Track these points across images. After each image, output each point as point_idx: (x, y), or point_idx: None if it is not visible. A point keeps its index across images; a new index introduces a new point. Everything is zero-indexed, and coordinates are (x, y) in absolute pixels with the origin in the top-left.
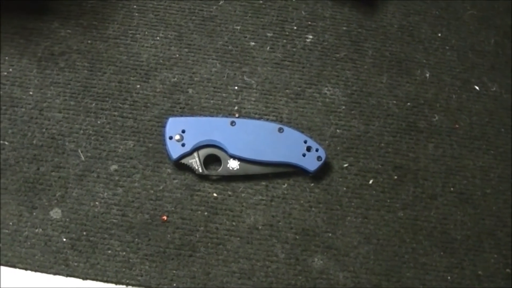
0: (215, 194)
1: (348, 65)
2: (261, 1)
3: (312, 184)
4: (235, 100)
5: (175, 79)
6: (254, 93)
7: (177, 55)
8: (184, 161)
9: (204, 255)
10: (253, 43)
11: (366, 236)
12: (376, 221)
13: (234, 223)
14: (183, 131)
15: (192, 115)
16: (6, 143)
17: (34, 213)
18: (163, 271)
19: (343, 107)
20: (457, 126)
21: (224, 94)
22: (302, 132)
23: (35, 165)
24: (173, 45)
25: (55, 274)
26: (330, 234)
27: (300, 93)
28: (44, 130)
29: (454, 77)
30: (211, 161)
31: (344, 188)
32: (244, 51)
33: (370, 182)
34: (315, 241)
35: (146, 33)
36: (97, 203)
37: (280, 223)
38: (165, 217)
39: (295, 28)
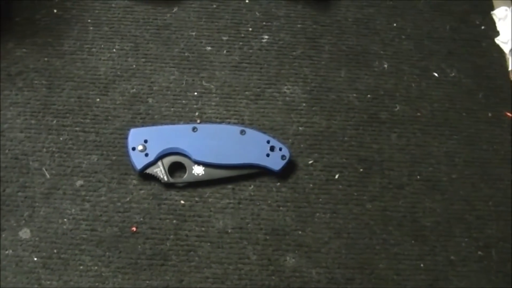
0: (182, 202)
1: (306, 62)
2: (214, 6)
3: (279, 184)
4: (195, 106)
5: (134, 90)
6: (214, 98)
7: (135, 66)
8: (149, 171)
9: (176, 263)
10: (209, 48)
11: (336, 231)
12: (345, 215)
13: (203, 229)
14: (146, 141)
15: (153, 124)
16: None
17: (3, 235)
18: (136, 283)
19: (304, 104)
20: (419, 114)
21: (184, 101)
22: (265, 132)
23: (0, 187)
24: (130, 56)
25: None
26: (300, 232)
27: (260, 94)
28: (7, 151)
29: (412, 66)
30: (176, 168)
31: (311, 185)
32: (201, 56)
33: (336, 177)
34: (286, 240)
35: (102, 46)
36: (65, 220)
37: (249, 225)
38: (134, 229)
39: (250, 29)
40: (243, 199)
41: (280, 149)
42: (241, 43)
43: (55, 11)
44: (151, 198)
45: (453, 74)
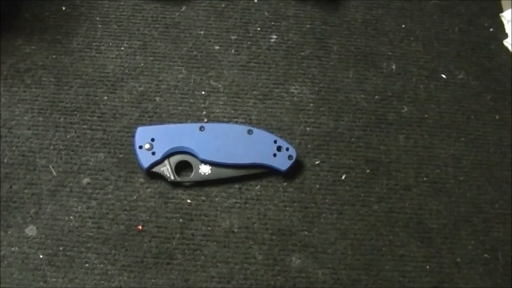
0: (189, 200)
1: (314, 63)
2: (223, 5)
3: (285, 184)
4: (203, 105)
5: (142, 88)
6: (221, 97)
7: (143, 64)
8: (155, 169)
9: (182, 262)
10: (217, 47)
11: (343, 232)
12: (351, 216)
13: (209, 228)
14: (153, 140)
15: (161, 123)
16: None
17: (10, 232)
18: (142, 281)
19: (312, 104)
20: (426, 116)
21: (191, 100)
22: (272, 132)
23: (7, 184)
24: (138, 54)
25: None
26: (306, 232)
27: (268, 94)
28: (14, 148)
29: (420, 68)
30: (183, 167)
31: (318, 186)
32: (209, 55)
33: (343, 177)
34: (292, 240)
35: (111, 44)
36: (71, 217)
37: (255, 224)
38: (140, 227)
39: (259, 29)
40: (249, 199)
41: (287, 149)
42: (249, 42)
43: (63, 8)
44: (158, 196)
45: (461, 76)
